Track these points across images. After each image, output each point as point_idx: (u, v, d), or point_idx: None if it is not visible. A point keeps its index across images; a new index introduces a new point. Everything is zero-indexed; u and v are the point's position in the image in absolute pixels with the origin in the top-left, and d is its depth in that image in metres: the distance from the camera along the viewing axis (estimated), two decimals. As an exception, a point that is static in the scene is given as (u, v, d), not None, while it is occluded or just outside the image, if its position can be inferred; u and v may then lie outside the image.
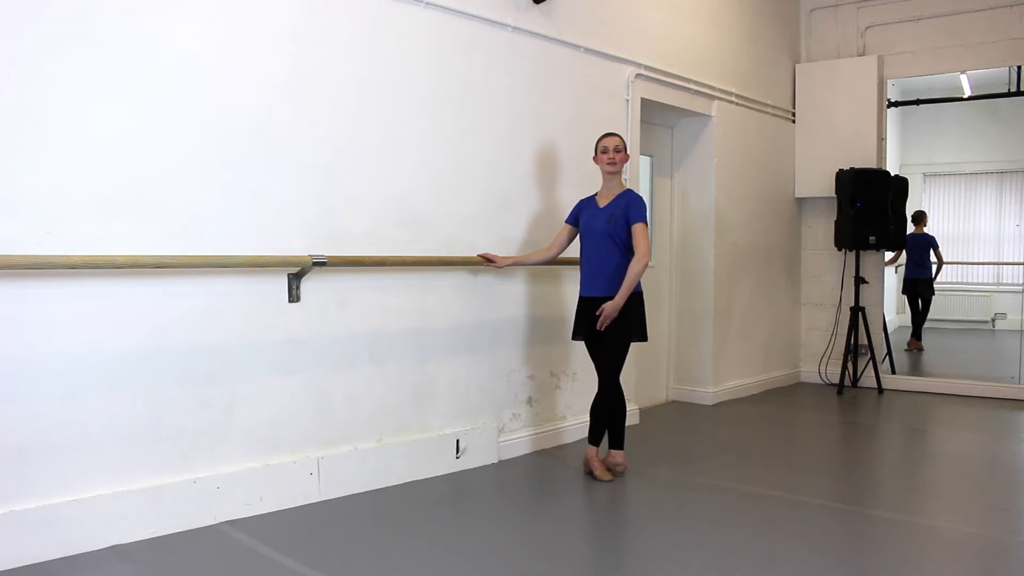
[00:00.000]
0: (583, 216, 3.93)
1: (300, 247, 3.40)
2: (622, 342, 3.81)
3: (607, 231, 3.78)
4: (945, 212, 7.90)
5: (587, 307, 3.85)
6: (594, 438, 3.94)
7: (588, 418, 3.99)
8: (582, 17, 4.71)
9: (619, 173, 3.91)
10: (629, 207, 3.78)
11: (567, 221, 4.07)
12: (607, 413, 3.90)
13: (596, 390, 3.95)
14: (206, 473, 3.14)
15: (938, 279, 7.50)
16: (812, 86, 6.86)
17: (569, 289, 4.60)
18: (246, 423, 3.27)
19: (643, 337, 3.89)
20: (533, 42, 4.40)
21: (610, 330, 3.75)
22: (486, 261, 3.99)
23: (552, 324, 4.52)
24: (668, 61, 5.41)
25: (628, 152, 3.96)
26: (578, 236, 3.99)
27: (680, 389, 6.04)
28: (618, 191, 3.89)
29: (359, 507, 3.41)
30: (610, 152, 3.85)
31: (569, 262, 4.27)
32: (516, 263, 4.11)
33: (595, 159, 3.95)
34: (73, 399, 2.81)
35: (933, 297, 7.53)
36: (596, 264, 3.82)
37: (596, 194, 3.99)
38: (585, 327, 3.88)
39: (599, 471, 3.87)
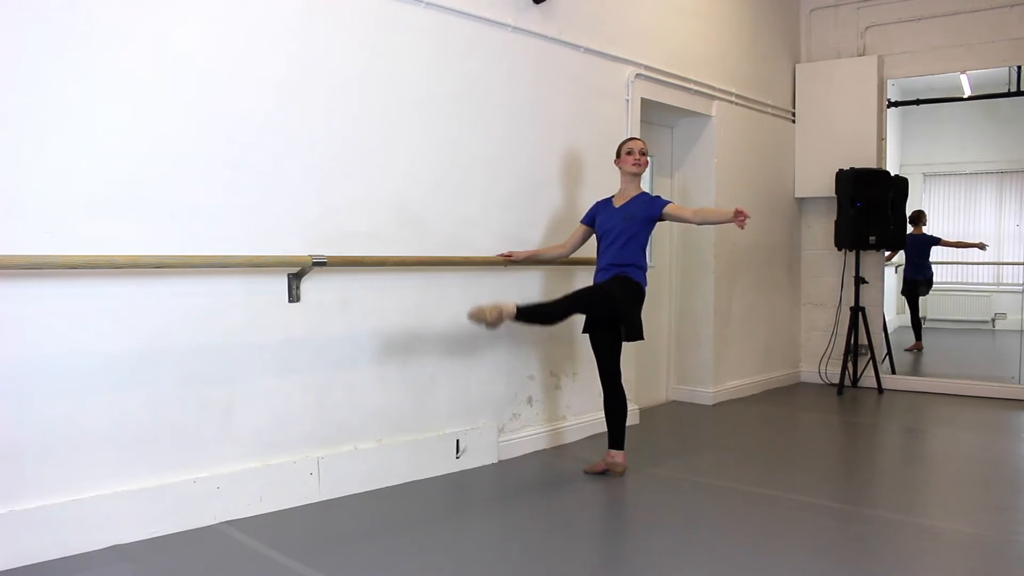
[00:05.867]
0: (600, 217, 4.00)
1: (300, 247, 3.39)
2: (609, 295, 3.77)
3: (624, 229, 3.85)
4: (945, 212, 7.91)
5: None
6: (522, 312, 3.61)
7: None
8: (582, 17, 4.71)
9: (640, 176, 4.00)
10: (648, 204, 3.89)
11: (583, 221, 4.13)
12: (551, 317, 3.76)
13: (599, 390, 3.95)
14: (206, 473, 3.14)
15: (937, 279, 7.51)
16: (812, 86, 6.86)
17: (570, 288, 4.58)
18: (246, 423, 3.27)
19: (636, 330, 3.88)
20: (533, 42, 4.40)
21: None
22: (504, 257, 4.07)
23: (552, 324, 4.52)
24: (668, 61, 5.41)
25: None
26: (593, 236, 4.06)
27: (680, 389, 6.04)
28: (634, 193, 3.96)
29: (359, 507, 3.41)
30: (635, 154, 3.95)
31: (574, 262, 4.28)
32: (532, 256, 4.15)
33: (618, 161, 4.02)
34: (73, 399, 2.81)
35: (929, 295, 7.54)
36: (609, 259, 3.87)
37: (612, 196, 4.04)
38: (593, 322, 3.90)
39: (489, 309, 3.50)
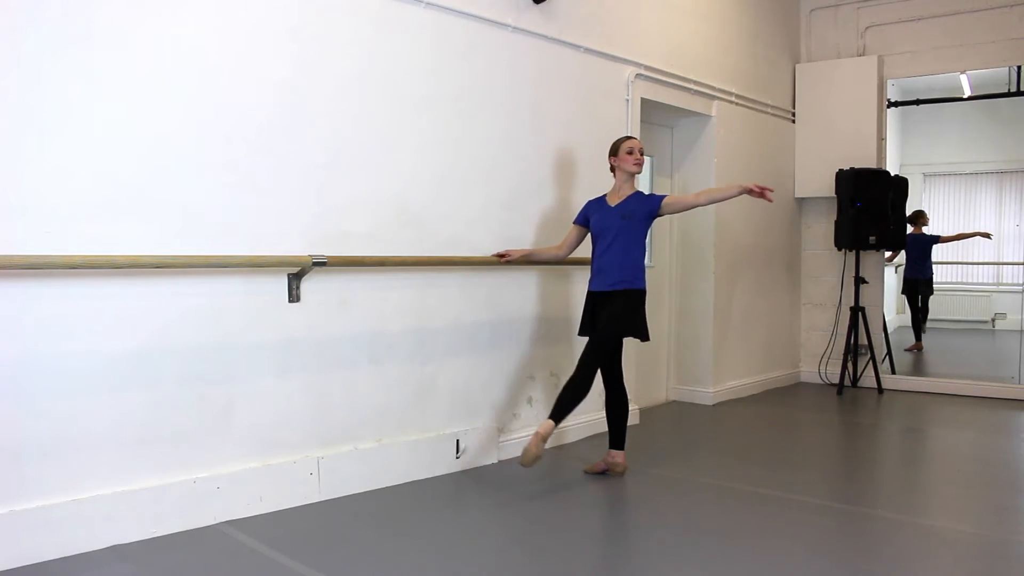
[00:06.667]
0: (594, 216, 3.96)
1: (300, 247, 3.39)
2: (613, 331, 3.80)
3: (623, 227, 3.82)
4: (945, 212, 7.90)
5: (595, 302, 3.88)
6: (555, 415, 3.68)
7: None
8: (582, 17, 4.71)
9: (637, 175, 3.99)
10: (645, 200, 3.88)
11: (576, 222, 4.09)
12: (574, 400, 3.71)
13: (599, 390, 3.94)
14: (206, 473, 3.14)
15: (937, 279, 7.51)
16: (812, 86, 6.86)
17: (569, 288, 4.60)
18: (246, 423, 3.27)
19: (643, 336, 3.88)
20: (533, 42, 4.40)
21: (603, 319, 3.80)
22: (499, 257, 4.05)
23: (552, 324, 4.52)
24: (668, 61, 5.41)
25: None
26: (588, 236, 4.03)
27: (680, 389, 6.04)
28: (630, 192, 3.93)
29: (359, 507, 3.41)
30: (636, 153, 3.90)
31: (572, 261, 4.27)
32: (527, 256, 4.12)
33: (615, 160, 3.95)
34: (73, 399, 2.81)
35: (932, 296, 7.55)
36: (609, 260, 3.84)
37: (605, 195, 4.01)
38: (592, 322, 3.90)
39: (533, 445, 3.56)
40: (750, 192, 3.69)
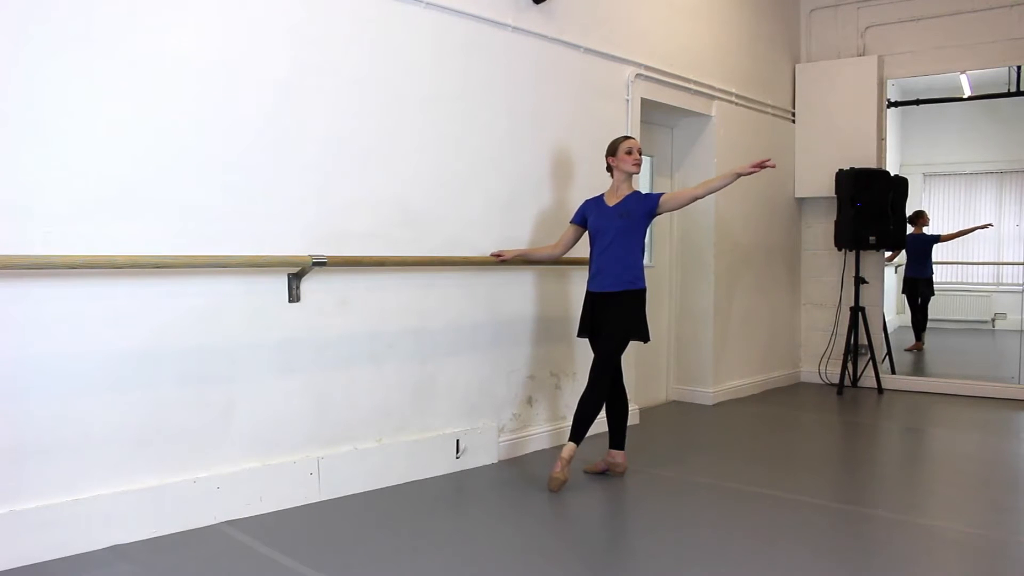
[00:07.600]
0: (592, 216, 3.95)
1: (300, 247, 3.40)
2: (619, 337, 3.80)
3: (622, 227, 3.81)
4: (945, 212, 7.90)
5: (594, 303, 3.88)
6: (575, 435, 3.73)
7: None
8: (582, 17, 4.71)
9: (636, 174, 3.98)
10: (644, 199, 3.87)
11: (573, 221, 4.08)
12: (593, 413, 3.75)
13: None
14: (206, 473, 3.14)
15: (937, 279, 7.51)
16: (812, 86, 6.86)
17: (569, 289, 4.60)
18: (246, 423, 3.27)
19: (644, 337, 3.88)
20: (533, 42, 4.40)
21: (607, 323, 3.79)
22: (494, 257, 4.05)
23: (552, 324, 4.52)
24: (668, 61, 5.41)
25: None
26: (585, 235, 4.02)
27: (680, 389, 6.04)
28: (628, 191, 3.91)
29: (359, 507, 3.41)
30: (635, 153, 3.89)
31: (571, 261, 4.27)
32: (521, 256, 4.12)
33: (613, 159, 3.92)
34: (73, 399, 2.81)
35: (933, 297, 7.55)
36: (608, 260, 3.82)
37: (603, 195, 4.00)
38: (591, 323, 3.90)
39: (558, 470, 3.67)
40: (749, 173, 3.71)
